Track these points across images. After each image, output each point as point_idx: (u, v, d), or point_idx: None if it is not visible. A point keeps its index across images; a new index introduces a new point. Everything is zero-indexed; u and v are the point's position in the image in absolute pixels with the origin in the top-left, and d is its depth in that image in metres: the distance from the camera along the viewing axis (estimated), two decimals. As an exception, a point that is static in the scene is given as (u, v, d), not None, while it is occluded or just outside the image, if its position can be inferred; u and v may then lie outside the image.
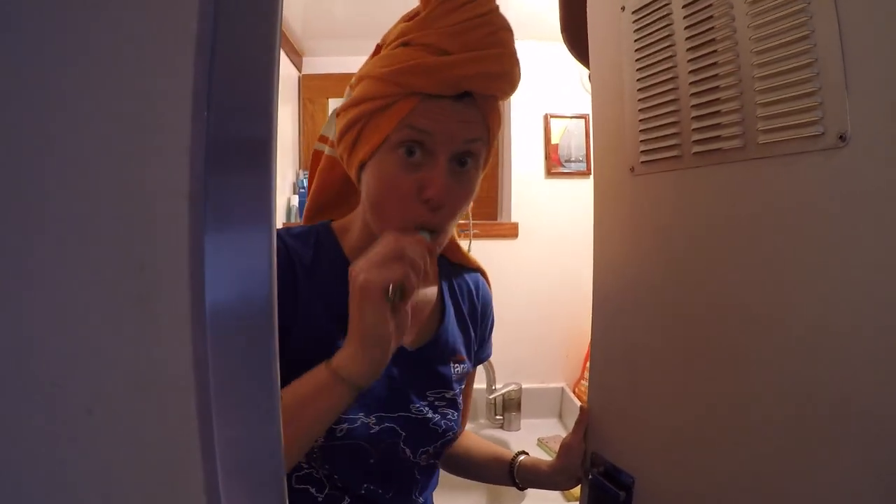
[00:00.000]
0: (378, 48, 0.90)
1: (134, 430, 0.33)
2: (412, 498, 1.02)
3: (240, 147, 0.36)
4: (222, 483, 0.35)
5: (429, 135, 0.80)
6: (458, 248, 1.13)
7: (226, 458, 0.35)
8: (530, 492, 1.75)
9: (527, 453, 1.20)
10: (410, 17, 0.85)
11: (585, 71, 2.42)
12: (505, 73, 0.82)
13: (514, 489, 1.21)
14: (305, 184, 2.57)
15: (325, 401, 0.76)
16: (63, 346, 0.30)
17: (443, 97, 0.80)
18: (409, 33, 0.83)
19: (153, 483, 0.34)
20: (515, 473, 1.16)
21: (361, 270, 0.75)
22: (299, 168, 2.66)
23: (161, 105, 0.33)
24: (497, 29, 0.81)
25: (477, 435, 1.31)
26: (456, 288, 1.10)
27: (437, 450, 1.02)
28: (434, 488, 1.11)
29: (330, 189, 1.06)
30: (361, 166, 0.87)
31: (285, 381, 0.82)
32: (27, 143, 0.29)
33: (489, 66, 0.80)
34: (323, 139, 1.06)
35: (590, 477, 1.03)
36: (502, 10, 0.82)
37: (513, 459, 1.18)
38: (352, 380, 0.76)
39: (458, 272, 1.13)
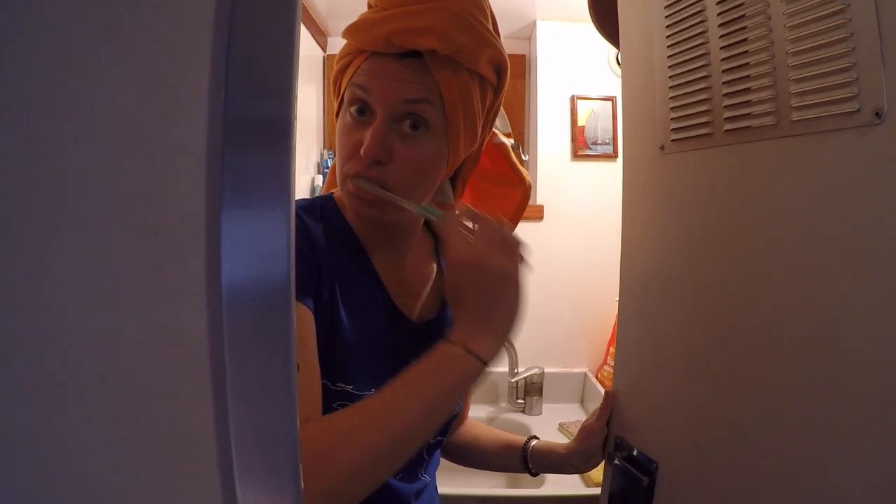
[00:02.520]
0: None
1: (146, 399, 0.33)
2: (419, 476, 1.02)
3: (258, 124, 0.36)
4: (236, 456, 0.35)
5: (367, 92, 0.83)
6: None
7: (240, 431, 0.35)
8: (549, 476, 1.76)
9: (538, 438, 1.19)
10: None
11: (613, 52, 2.42)
12: (432, 28, 0.80)
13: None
14: (330, 163, 2.57)
15: (468, 386, 0.77)
16: (73, 311, 0.30)
17: (385, 56, 0.83)
18: None
19: (165, 453, 0.34)
20: (528, 459, 1.15)
21: (497, 260, 0.78)
22: (324, 148, 2.67)
23: (179, 75, 0.33)
24: None
25: (489, 419, 1.30)
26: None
27: (444, 426, 1.02)
28: (436, 467, 1.11)
29: None
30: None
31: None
32: (46, 112, 0.29)
33: (414, 20, 0.80)
34: None
35: (613, 461, 1.02)
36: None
37: (524, 445, 1.17)
38: (493, 361, 0.77)
39: None
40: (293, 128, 0.38)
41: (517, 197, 1.11)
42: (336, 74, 0.90)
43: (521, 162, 1.11)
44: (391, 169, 0.83)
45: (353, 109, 0.84)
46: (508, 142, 1.09)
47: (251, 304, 0.36)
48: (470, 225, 0.81)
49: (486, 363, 0.76)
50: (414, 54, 0.82)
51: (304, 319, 0.80)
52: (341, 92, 0.89)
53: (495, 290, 0.78)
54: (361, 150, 0.81)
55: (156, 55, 0.32)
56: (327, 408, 0.82)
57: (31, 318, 0.29)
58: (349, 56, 0.86)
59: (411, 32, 0.80)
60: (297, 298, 0.79)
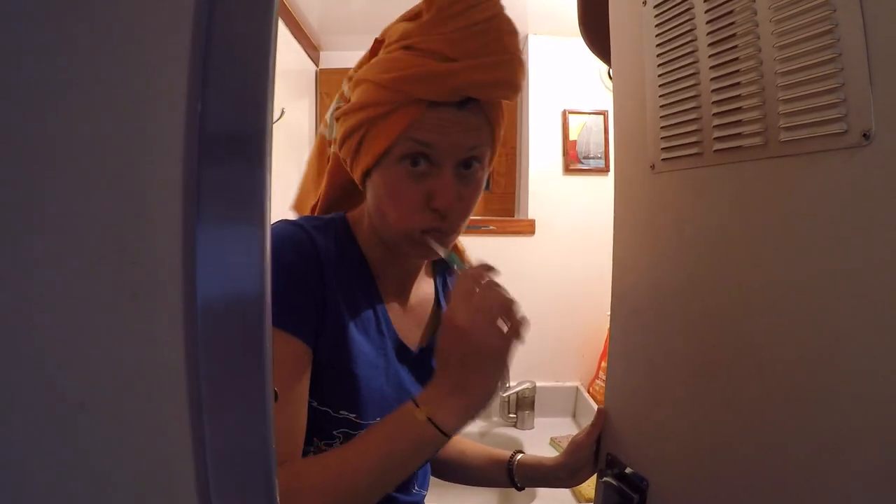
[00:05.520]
0: (377, 44, 0.88)
1: (126, 425, 0.33)
2: (412, 490, 1.03)
3: (233, 142, 0.36)
4: (213, 478, 0.36)
5: (431, 147, 0.80)
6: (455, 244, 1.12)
7: (217, 454, 0.36)
8: (541, 493, 1.75)
9: (523, 452, 1.18)
10: (411, 16, 0.84)
11: (604, 67, 2.42)
12: (510, 80, 0.80)
13: (523, 491, 1.20)
14: (322, 179, 2.56)
15: (427, 453, 0.78)
16: (56, 341, 0.30)
17: (445, 104, 0.79)
18: (412, 37, 0.80)
19: (145, 478, 0.34)
20: (514, 473, 1.15)
21: (487, 333, 0.75)
22: (316, 162, 2.66)
23: (154, 99, 0.33)
24: (502, 34, 0.79)
25: (481, 434, 1.30)
26: (450, 285, 1.10)
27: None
28: (427, 480, 1.12)
29: (340, 188, 1.04)
30: (366, 172, 0.87)
31: (312, 389, 0.84)
32: (19, 137, 0.28)
33: (494, 73, 0.78)
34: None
35: (604, 479, 1.02)
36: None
37: (510, 459, 1.17)
38: (453, 433, 0.77)
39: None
40: (268, 144, 0.38)
41: None
42: (359, 124, 0.83)
43: None
44: (459, 212, 0.84)
45: (407, 161, 0.81)
46: None
47: (227, 325, 0.36)
48: (476, 287, 0.79)
49: (446, 435, 0.76)
50: (471, 99, 0.80)
51: (297, 356, 0.80)
52: (380, 144, 0.82)
53: (478, 363, 0.76)
54: (440, 205, 0.80)
55: (131, 74, 0.32)
56: (328, 435, 0.82)
57: (12, 347, 0.29)
58: (389, 105, 0.79)
59: (493, 85, 0.79)
60: (294, 333, 0.79)
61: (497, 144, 0.89)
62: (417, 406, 0.77)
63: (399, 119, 0.79)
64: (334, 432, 0.84)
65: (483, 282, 0.78)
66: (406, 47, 0.80)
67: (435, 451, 0.78)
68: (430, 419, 0.75)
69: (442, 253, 0.83)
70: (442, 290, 1.07)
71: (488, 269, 0.81)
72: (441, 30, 0.78)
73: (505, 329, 0.77)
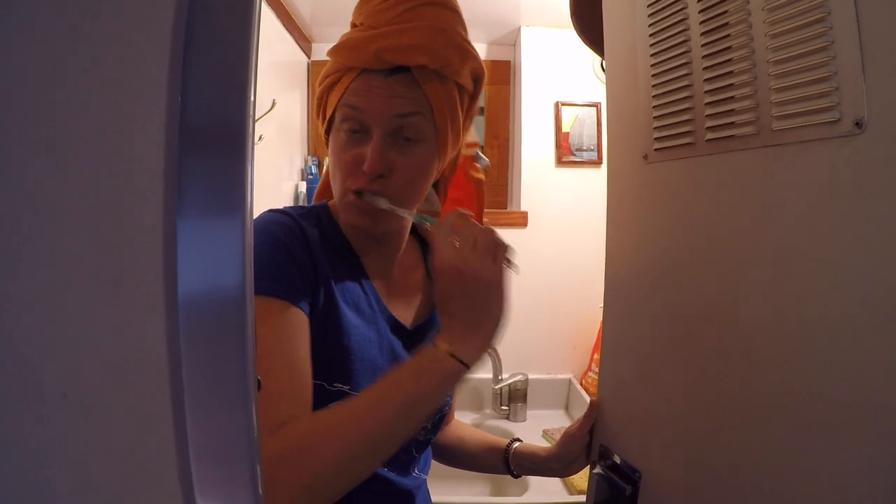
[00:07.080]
0: None
1: (108, 415, 0.33)
2: (412, 475, 1.04)
3: (214, 132, 0.36)
4: (195, 468, 0.35)
5: (360, 111, 0.86)
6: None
7: (199, 443, 0.35)
8: (533, 484, 1.76)
9: (520, 440, 1.20)
10: None
11: (598, 58, 2.42)
12: (420, 45, 0.84)
13: (516, 480, 1.21)
14: (314, 170, 2.55)
15: (450, 387, 0.81)
16: (36, 329, 0.30)
17: (374, 72, 0.85)
18: (355, 16, 0.91)
19: (128, 467, 0.34)
20: (510, 460, 1.17)
21: (482, 266, 0.80)
22: (308, 154, 2.65)
23: (135, 89, 0.33)
24: (419, 5, 0.85)
25: (473, 427, 1.32)
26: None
27: (435, 425, 1.06)
28: (429, 465, 1.13)
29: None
30: (327, 143, 0.94)
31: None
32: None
33: (403, 38, 0.83)
34: None
35: (597, 470, 1.02)
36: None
37: (507, 447, 1.19)
38: (474, 364, 0.81)
39: None
40: (249, 135, 0.38)
41: (473, 197, 1.17)
42: (322, 92, 0.92)
43: (477, 169, 1.18)
44: (391, 181, 0.87)
45: (346, 127, 0.87)
46: (472, 151, 1.15)
47: (209, 314, 0.36)
48: (457, 230, 0.83)
49: (468, 367, 0.79)
50: (401, 69, 0.85)
51: (295, 322, 0.82)
52: (330, 111, 0.91)
53: (480, 296, 0.80)
54: (364, 167, 0.84)
55: (112, 66, 0.32)
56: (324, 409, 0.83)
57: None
58: (336, 74, 0.88)
59: (402, 49, 0.83)
60: (292, 301, 0.81)
61: (443, 121, 0.90)
62: (437, 347, 0.80)
63: (340, 87, 0.88)
64: (330, 406, 0.84)
65: (458, 224, 0.83)
66: (353, 25, 0.91)
67: (456, 386, 0.81)
68: (451, 354, 0.78)
69: (383, 205, 0.86)
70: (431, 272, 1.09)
71: (460, 214, 0.86)
72: (369, 5, 0.87)
73: (493, 258, 0.82)
